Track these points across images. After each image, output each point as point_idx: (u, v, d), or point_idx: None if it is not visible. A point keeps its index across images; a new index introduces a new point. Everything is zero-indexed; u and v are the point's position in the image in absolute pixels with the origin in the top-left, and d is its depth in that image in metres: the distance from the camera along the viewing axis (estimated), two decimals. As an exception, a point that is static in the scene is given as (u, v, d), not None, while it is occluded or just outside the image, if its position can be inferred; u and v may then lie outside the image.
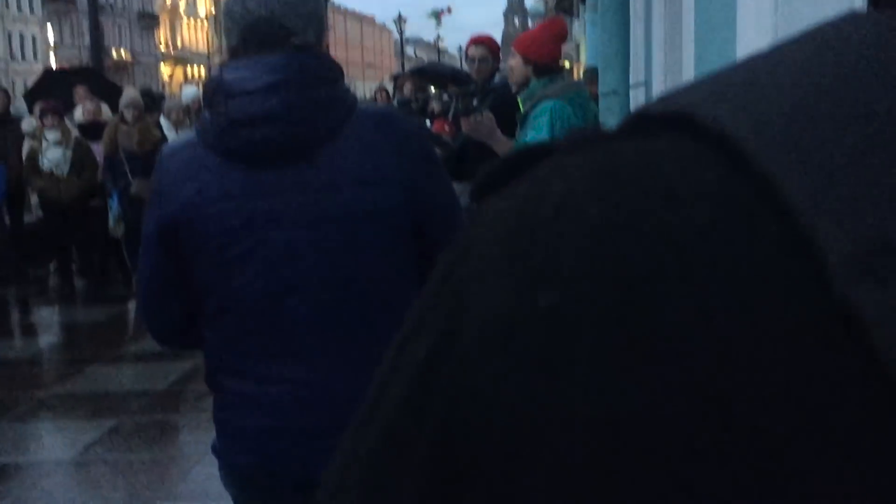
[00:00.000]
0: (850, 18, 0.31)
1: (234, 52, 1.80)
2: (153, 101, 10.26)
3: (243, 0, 1.79)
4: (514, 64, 4.23)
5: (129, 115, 8.28)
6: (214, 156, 1.75)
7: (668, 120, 0.30)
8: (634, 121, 0.32)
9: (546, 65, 4.17)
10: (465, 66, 5.70)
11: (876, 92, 0.27)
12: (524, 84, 4.19)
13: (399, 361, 0.32)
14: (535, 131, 3.99)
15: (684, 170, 0.28)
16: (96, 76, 12.78)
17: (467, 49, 5.36)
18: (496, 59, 5.24)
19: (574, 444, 0.26)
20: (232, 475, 1.86)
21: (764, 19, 2.12)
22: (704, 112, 0.29)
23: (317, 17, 1.82)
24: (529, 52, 4.16)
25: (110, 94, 10.41)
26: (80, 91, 10.06)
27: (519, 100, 4.23)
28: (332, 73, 1.77)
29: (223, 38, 1.90)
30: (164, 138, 8.37)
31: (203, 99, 1.84)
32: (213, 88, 1.75)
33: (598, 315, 0.27)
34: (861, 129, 0.27)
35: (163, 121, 9.06)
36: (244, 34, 1.78)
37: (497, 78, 5.10)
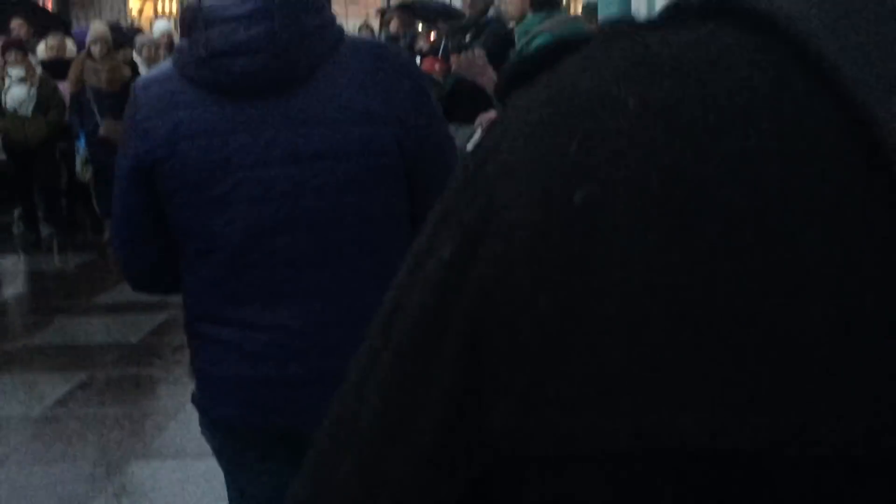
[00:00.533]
0: None
1: (215, -23, 1.77)
2: (123, 36, 10.12)
3: None
4: None
5: (96, 50, 8.19)
6: (192, 88, 1.73)
7: (710, 8, 0.30)
8: (672, 11, 0.31)
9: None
10: (457, 1, 5.66)
11: None
12: (520, 18, 4.17)
13: (419, 263, 0.31)
14: None
15: (730, 56, 0.28)
16: (33, 6, 12.43)
17: None
18: None
19: (612, 345, 0.26)
20: (214, 427, 1.87)
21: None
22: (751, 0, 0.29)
23: None
24: None
25: (50, 26, 10.21)
26: (15, 24, 9.86)
27: (515, 35, 4.22)
28: (318, 0, 1.75)
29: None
30: (135, 75, 8.30)
31: (180, 27, 1.81)
32: (191, 16, 1.73)
33: (638, 211, 0.26)
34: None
35: (136, 57, 8.97)
36: (225, -43, 1.75)
37: (491, 12, 5.07)
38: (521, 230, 0.28)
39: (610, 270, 0.26)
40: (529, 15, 4.12)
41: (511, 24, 4.32)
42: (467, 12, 5.27)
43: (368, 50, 1.79)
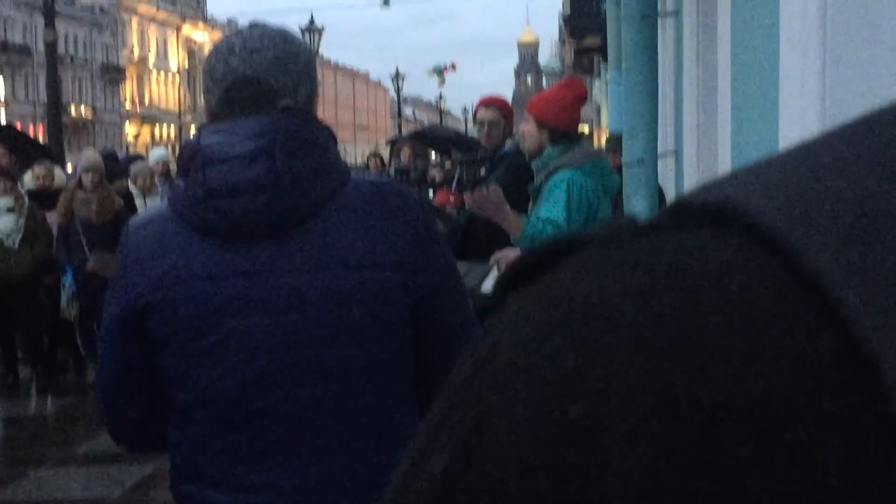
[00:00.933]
0: None
1: (215, 116, 1.83)
2: (117, 165, 10.33)
3: (226, 57, 1.83)
4: (527, 129, 4.29)
5: (87, 180, 8.30)
6: (189, 230, 1.77)
7: (711, 212, 0.31)
8: (673, 212, 0.33)
9: (563, 130, 4.22)
10: (472, 130, 5.77)
11: None
12: (538, 152, 4.24)
13: (412, 474, 0.32)
14: (551, 206, 4.02)
15: (729, 269, 0.29)
16: (16, 133, 12.30)
17: (476, 111, 5.44)
18: (508, 123, 5.31)
19: None
20: None
21: (810, 82, 2.16)
22: (754, 206, 0.30)
23: (307, 77, 1.86)
24: (544, 116, 4.22)
25: (32, 155, 10.20)
26: None
27: (532, 169, 4.28)
28: (324, 139, 1.80)
29: (203, 99, 1.94)
30: (130, 207, 8.43)
31: (178, 166, 1.86)
32: (190, 154, 1.78)
33: (634, 431, 0.28)
34: None
35: (131, 186, 9.14)
36: (226, 95, 1.82)
37: (508, 144, 5.16)
38: (514, 446, 0.29)
39: (606, 490, 0.27)
40: (548, 148, 4.19)
41: (527, 158, 4.38)
42: (483, 142, 5.35)
43: (373, 189, 1.83)
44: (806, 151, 0.33)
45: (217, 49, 1.87)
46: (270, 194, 1.72)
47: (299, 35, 1.96)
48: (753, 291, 0.29)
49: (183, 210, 1.77)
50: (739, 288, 0.29)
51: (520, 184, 4.45)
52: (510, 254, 4.44)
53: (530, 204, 4.31)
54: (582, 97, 4.41)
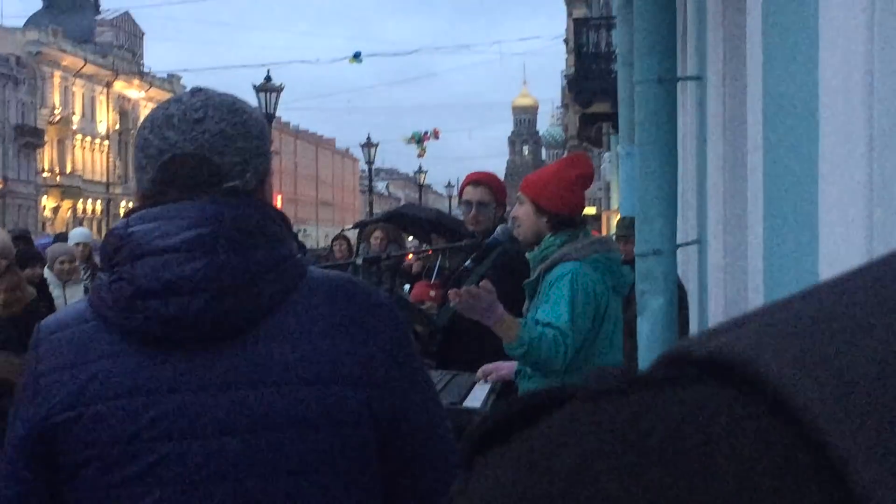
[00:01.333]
0: None
1: (148, 198, 1.84)
2: (32, 248, 10.33)
3: (162, 129, 1.84)
4: (522, 213, 4.31)
5: (-7, 266, 8.30)
6: (112, 334, 1.76)
7: (713, 366, 0.32)
8: (671, 362, 0.34)
9: (566, 216, 4.25)
10: (457, 210, 5.81)
11: None
12: (535, 241, 4.26)
13: None
14: (550, 307, 4.03)
15: (735, 444, 0.30)
16: None
17: (462, 189, 5.46)
18: (500, 204, 5.35)
19: None
20: None
21: (853, 166, 2.20)
22: (767, 366, 0.31)
23: (258, 154, 1.88)
24: (543, 199, 4.24)
25: None
26: None
27: (529, 260, 4.30)
28: (276, 228, 1.81)
29: (134, 177, 1.95)
30: (45, 298, 8.40)
31: (101, 258, 1.87)
32: (116, 244, 1.78)
33: None
34: None
35: (47, 273, 9.12)
36: (161, 174, 1.82)
37: (499, 230, 5.19)
38: None
39: None
40: (547, 237, 4.22)
41: (524, 248, 4.41)
42: (470, 225, 5.36)
43: (334, 288, 1.83)
44: (821, 303, 0.34)
45: (152, 119, 1.88)
46: (210, 295, 1.72)
47: (251, 103, 1.98)
48: (759, 464, 0.29)
49: (106, 311, 1.77)
50: (746, 471, 0.30)
51: (512, 278, 4.45)
52: (502, 366, 4.43)
53: (525, 303, 4.32)
54: (587, 177, 4.44)
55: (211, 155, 1.82)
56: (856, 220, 2.21)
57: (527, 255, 4.32)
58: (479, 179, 5.39)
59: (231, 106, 1.88)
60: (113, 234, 1.81)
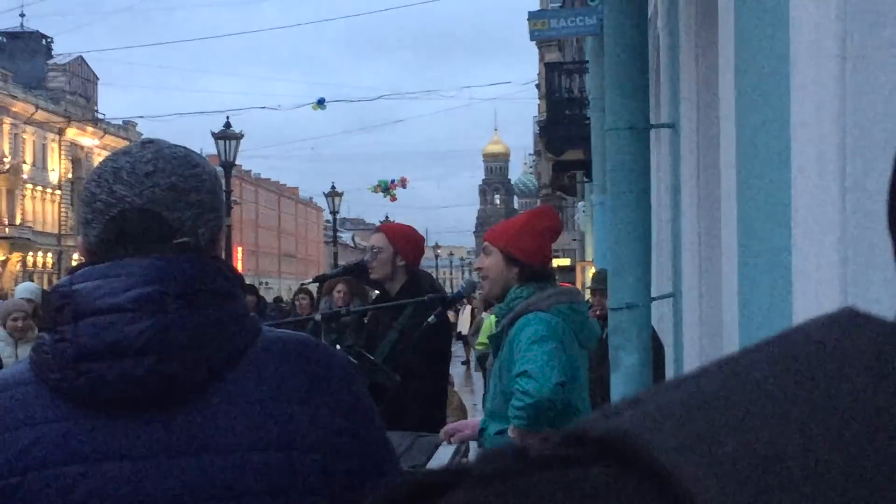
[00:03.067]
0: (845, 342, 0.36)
1: (94, 255, 1.83)
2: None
3: (110, 184, 1.84)
4: (490, 264, 4.32)
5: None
6: (53, 398, 1.75)
7: (609, 447, 0.33)
8: (569, 442, 0.35)
9: (537, 268, 4.28)
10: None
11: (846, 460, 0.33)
12: (501, 294, 4.27)
13: None
14: (523, 361, 4.03)
15: None
16: None
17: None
18: (398, 252, 5.57)
19: None
20: None
21: (827, 213, 2.22)
22: (652, 446, 0.33)
23: (211, 209, 1.88)
24: (515, 249, 4.26)
25: None
26: None
27: (492, 316, 4.36)
28: (229, 286, 1.81)
29: (80, 232, 1.94)
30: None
31: (44, 317, 1.85)
32: (59, 302, 1.77)
33: None
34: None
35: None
36: (108, 230, 1.82)
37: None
38: None
39: None
40: (514, 288, 4.24)
41: (489, 299, 4.52)
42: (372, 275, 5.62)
43: (290, 348, 1.83)
44: (713, 385, 0.36)
45: (100, 172, 1.87)
46: (158, 357, 1.71)
47: (210, 150, 1.98)
48: None
49: (47, 373, 1.76)
50: None
51: (431, 337, 4.92)
52: (464, 427, 4.46)
53: (490, 357, 4.35)
54: (556, 230, 4.49)
55: (161, 210, 1.82)
56: (830, 269, 2.23)
57: (492, 310, 4.39)
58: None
59: (183, 159, 1.88)
60: (56, 291, 1.80)
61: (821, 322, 0.40)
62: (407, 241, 5.54)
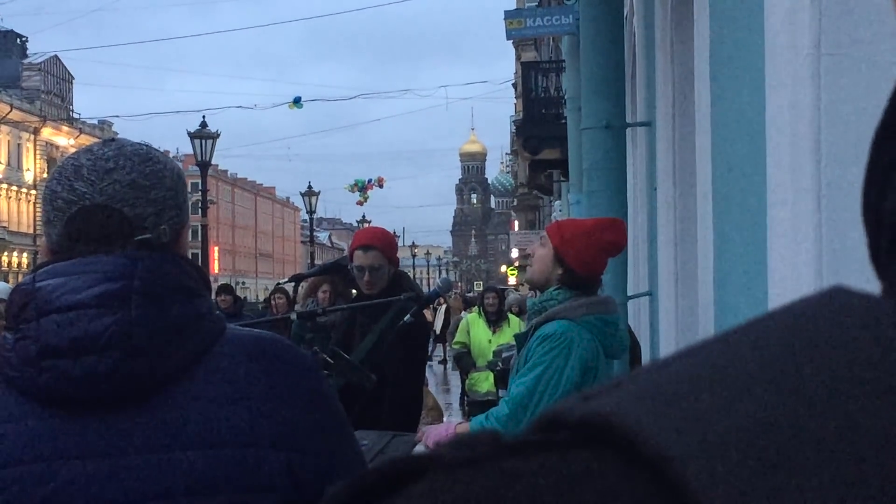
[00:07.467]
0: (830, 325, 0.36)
1: (56, 253, 1.82)
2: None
3: (70, 181, 1.83)
4: (540, 255, 4.22)
5: None
6: (14, 396, 1.74)
7: (588, 431, 0.32)
8: (544, 426, 0.33)
9: (580, 277, 4.16)
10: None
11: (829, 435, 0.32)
12: (541, 286, 4.19)
13: None
14: (527, 371, 4.00)
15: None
16: None
17: (352, 253, 5.51)
18: (392, 262, 5.47)
19: None
20: None
21: (802, 207, 2.22)
22: (639, 427, 0.31)
23: (174, 206, 1.87)
24: (566, 251, 4.16)
25: None
26: None
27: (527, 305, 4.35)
28: (192, 282, 1.80)
29: (43, 231, 1.93)
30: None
31: (7, 314, 1.84)
32: (21, 300, 1.76)
33: None
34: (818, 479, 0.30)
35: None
36: (70, 227, 1.81)
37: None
38: None
39: None
40: (552, 288, 4.14)
41: (525, 287, 4.50)
42: (366, 290, 5.50)
43: (254, 346, 1.83)
44: (699, 363, 0.35)
45: (60, 170, 1.87)
46: (121, 353, 1.70)
47: (185, 150, 1.97)
48: None
49: (10, 370, 1.75)
50: None
51: (408, 338, 5.00)
52: (441, 430, 4.44)
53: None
54: (619, 246, 4.29)
55: (121, 206, 1.81)
56: (804, 271, 2.22)
57: (527, 300, 4.37)
58: (370, 244, 5.44)
59: (144, 156, 1.87)
60: (19, 289, 1.79)
61: (812, 298, 0.40)
62: (393, 249, 5.49)
